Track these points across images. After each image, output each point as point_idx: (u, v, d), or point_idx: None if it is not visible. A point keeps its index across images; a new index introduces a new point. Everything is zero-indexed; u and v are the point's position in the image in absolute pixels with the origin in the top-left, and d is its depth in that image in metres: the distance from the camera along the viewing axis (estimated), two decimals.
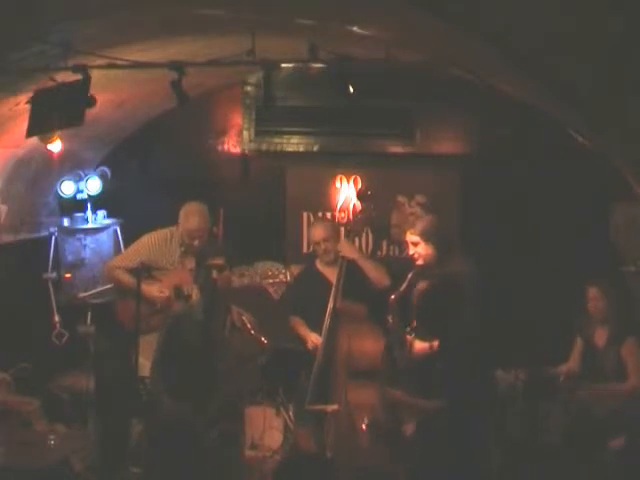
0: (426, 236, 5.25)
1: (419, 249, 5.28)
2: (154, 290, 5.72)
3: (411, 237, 5.31)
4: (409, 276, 5.17)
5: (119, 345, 6.04)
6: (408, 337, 5.12)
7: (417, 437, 4.82)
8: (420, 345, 5.08)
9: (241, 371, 5.05)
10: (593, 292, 5.54)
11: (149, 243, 5.94)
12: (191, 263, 5.88)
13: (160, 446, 4.89)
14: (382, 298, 5.67)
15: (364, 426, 5.10)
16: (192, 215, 5.82)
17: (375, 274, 5.72)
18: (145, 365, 5.35)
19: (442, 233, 5.36)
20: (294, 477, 5.44)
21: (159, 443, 4.92)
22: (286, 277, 5.58)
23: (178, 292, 5.76)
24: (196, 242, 5.79)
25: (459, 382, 4.60)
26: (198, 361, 4.96)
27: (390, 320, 5.19)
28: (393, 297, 5.20)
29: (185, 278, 5.79)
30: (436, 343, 4.93)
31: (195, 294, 5.72)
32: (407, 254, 5.39)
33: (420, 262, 5.28)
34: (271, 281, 5.54)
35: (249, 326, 5.01)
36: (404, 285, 5.17)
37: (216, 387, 4.90)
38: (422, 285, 5.02)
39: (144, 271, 5.65)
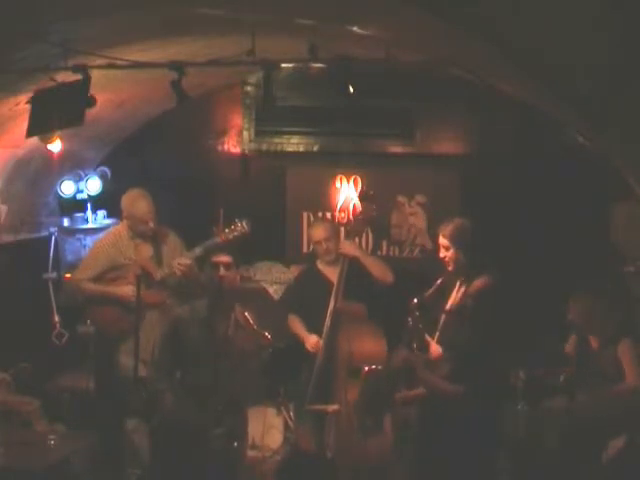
0: (453, 240, 5.14)
1: (449, 253, 5.15)
2: (127, 290, 5.68)
3: (442, 240, 5.19)
4: (438, 282, 5.11)
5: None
6: (428, 339, 5.09)
7: (422, 424, 4.81)
8: (437, 350, 5.05)
9: (244, 369, 5.05)
10: (570, 304, 5.50)
11: (104, 245, 5.92)
12: (147, 251, 5.85)
13: (163, 444, 4.90)
14: (383, 298, 5.69)
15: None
16: (137, 200, 5.77)
17: (378, 271, 5.70)
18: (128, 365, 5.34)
19: (472, 238, 5.23)
20: (294, 477, 5.44)
21: (162, 442, 4.93)
22: (244, 228, 5.52)
23: (149, 281, 5.69)
24: (151, 224, 5.75)
25: (475, 382, 4.63)
26: (202, 360, 4.97)
27: (410, 322, 5.11)
28: (416, 300, 5.12)
29: (148, 266, 5.76)
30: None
31: (166, 274, 5.70)
32: (438, 256, 5.28)
33: (450, 267, 5.17)
34: (231, 236, 5.50)
35: (252, 322, 5.00)
36: (431, 290, 5.11)
37: (220, 385, 4.90)
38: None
39: (143, 275, 5.63)
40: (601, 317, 5.44)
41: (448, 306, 5.10)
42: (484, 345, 4.86)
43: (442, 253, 5.17)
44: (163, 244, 5.89)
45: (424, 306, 5.09)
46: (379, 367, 5.14)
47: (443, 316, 5.10)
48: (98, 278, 5.84)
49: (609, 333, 5.42)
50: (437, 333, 5.10)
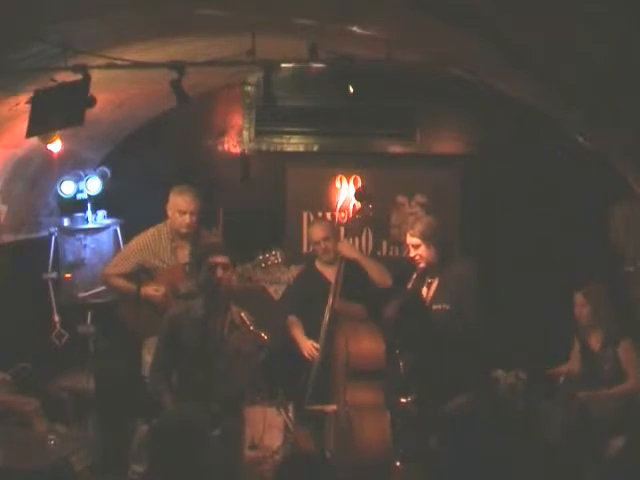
0: (426, 238, 5.19)
1: (420, 251, 5.20)
2: (149, 290, 5.71)
3: (411, 239, 5.23)
4: (413, 277, 5.13)
5: (120, 345, 6.03)
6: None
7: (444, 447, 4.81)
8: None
9: (241, 369, 5.05)
10: (578, 298, 5.54)
11: (139, 245, 5.93)
12: (184, 256, 5.86)
13: (162, 445, 4.89)
14: (382, 298, 5.68)
15: (398, 464, 5.09)
16: (183, 192, 5.81)
17: (377, 275, 5.71)
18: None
19: (442, 234, 5.31)
20: (294, 477, 5.43)
21: (161, 442, 4.92)
22: (278, 259, 5.56)
23: (175, 290, 5.74)
24: (187, 218, 5.74)
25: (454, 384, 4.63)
26: (198, 360, 4.96)
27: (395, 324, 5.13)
28: (393, 303, 5.14)
29: (179, 274, 5.79)
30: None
31: (191, 289, 5.70)
32: (408, 256, 5.32)
33: (422, 264, 5.22)
34: (263, 265, 5.53)
35: (248, 323, 5.00)
36: (409, 287, 5.13)
37: (217, 386, 4.90)
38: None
39: (143, 274, 5.63)
40: (607, 312, 5.47)
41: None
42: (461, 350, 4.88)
43: (412, 252, 5.21)
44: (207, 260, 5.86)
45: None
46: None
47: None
48: (129, 276, 5.82)
49: (612, 331, 5.44)
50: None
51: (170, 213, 5.86)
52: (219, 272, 4.95)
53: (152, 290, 5.71)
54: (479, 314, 5.10)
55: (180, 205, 5.79)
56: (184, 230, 5.81)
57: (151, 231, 5.98)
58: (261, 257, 5.60)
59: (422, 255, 5.18)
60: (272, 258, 5.58)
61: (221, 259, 4.99)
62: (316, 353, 5.58)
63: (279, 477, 5.52)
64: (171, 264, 5.85)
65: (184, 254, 5.87)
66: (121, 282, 5.87)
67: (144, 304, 5.55)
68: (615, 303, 5.59)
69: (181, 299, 5.66)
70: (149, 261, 5.85)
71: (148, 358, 5.46)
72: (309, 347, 5.64)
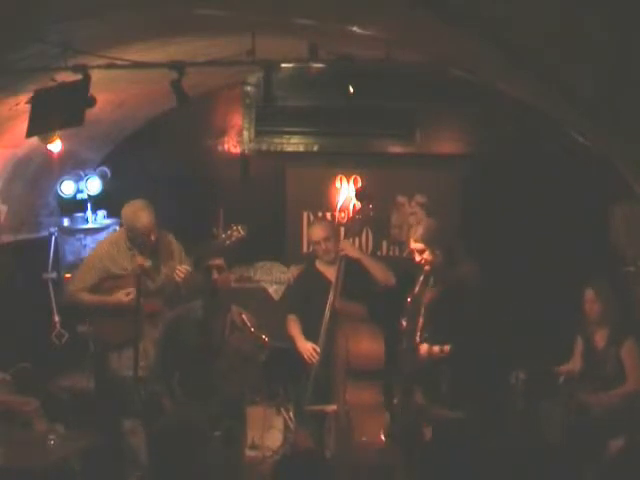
0: (429, 241, 5.16)
1: (425, 256, 5.16)
2: (120, 296, 5.62)
3: (415, 245, 5.20)
4: (420, 279, 5.12)
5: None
6: (417, 340, 5.09)
7: (434, 443, 4.81)
8: (424, 349, 5.05)
9: (242, 370, 5.05)
10: (589, 294, 5.55)
11: (97, 256, 5.84)
12: (146, 262, 5.69)
13: (162, 446, 4.89)
14: (382, 298, 5.68)
15: (382, 437, 5.08)
16: (139, 212, 5.62)
17: (380, 274, 5.71)
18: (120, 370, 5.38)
19: (444, 236, 5.29)
20: (294, 477, 5.43)
21: (161, 443, 4.92)
22: (241, 232, 5.47)
23: (145, 290, 5.56)
24: (152, 237, 5.63)
25: (470, 386, 4.62)
26: (198, 362, 4.97)
27: (404, 323, 5.11)
28: (409, 299, 5.12)
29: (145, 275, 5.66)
30: (447, 347, 4.92)
31: (160, 284, 5.66)
32: (414, 261, 5.29)
33: (428, 267, 5.19)
34: (228, 242, 5.44)
35: (249, 324, 4.99)
36: (417, 288, 5.12)
37: (217, 387, 4.90)
38: (432, 290, 5.00)
39: (143, 274, 5.61)
40: (616, 309, 5.48)
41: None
42: (471, 348, 4.87)
43: (417, 257, 5.18)
44: (162, 252, 5.79)
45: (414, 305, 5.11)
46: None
47: (421, 319, 5.11)
48: (94, 288, 5.75)
49: (618, 329, 5.45)
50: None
51: (130, 234, 5.70)
52: (214, 274, 4.96)
53: (123, 295, 5.61)
54: (480, 315, 5.09)
55: (139, 229, 5.61)
56: (148, 246, 5.69)
57: (108, 240, 5.94)
58: (224, 235, 5.50)
59: (427, 259, 5.15)
60: (235, 233, 5.48)
61: (217, 261, 4.99)
62: (316, 357, 5.55)
63: (279, 477, 5.52)
64: (134, 270, 5.66)
65: (145, 259, 5.74)
66: (87, 296, 5.75)
67: (114, 315, 5.53)
68: (622, 299, 5.61)
69: (155, 296, 5.62)
70: (109, 268, 5.74)
71: (117, 366, 5.43)
72: (309, 350, 5.61)
